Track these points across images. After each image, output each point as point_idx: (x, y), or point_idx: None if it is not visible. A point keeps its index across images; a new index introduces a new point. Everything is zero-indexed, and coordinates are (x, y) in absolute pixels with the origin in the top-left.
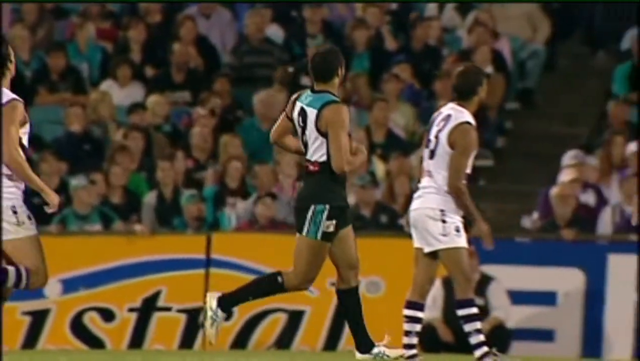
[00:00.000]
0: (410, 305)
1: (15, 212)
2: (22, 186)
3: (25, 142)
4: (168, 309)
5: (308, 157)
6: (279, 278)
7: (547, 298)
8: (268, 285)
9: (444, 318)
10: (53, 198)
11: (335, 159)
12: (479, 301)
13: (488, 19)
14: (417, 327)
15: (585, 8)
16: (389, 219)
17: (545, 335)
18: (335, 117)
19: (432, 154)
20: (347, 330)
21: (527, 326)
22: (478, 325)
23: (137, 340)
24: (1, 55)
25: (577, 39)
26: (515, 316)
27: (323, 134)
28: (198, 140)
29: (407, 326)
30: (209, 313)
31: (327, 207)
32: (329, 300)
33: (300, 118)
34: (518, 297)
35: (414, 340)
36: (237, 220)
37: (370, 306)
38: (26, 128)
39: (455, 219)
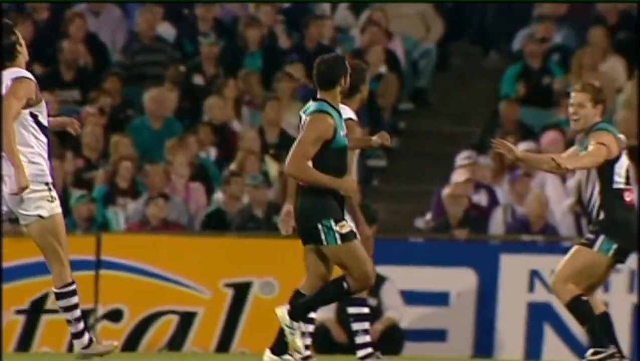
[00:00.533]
0: None
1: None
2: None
3: (43, 121)
4: (56, 311)
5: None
6: (345, 284)
7: (439, 298)
8: (335, 292)
9: (337, 319)
10: (21, 180)
11: (289, 159)
12: (372, 301)
13: (381, 18)
14: (310, 328)
15: (477, 8)
16: None
17: (437, 335)
18: (310, 124)
19: None
20: (239, 332)
21: (420, 326)
22: (366, 325)
23: (24, 342)
24: (10, 41)
25: (469, 39)
26: (408, 317)
27: None
28: (88, 139)
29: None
30: (286, 329)
31: (331, 219)
32: (222, 301)
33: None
34: (411, 297)
35: (307, 341)
36: (127, 221)
37: (265, 307)
38: (42, 108)
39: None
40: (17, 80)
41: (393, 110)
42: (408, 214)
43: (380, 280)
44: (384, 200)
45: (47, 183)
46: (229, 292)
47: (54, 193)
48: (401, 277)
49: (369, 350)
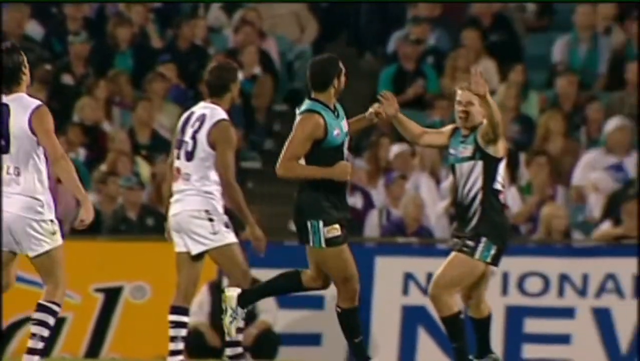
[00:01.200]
0: (175, 310)
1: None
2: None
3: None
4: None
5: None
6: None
7: (314, 302)
8: (289, 281)
9: (210, 323)
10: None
11: (279, 161)
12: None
13: (255, 18)
14: (183, 332)
15: (351, 9)
16: (155, 222)
17: (312, 339)
18: (298, 124)
19: (190, 156)
20: (110, 337)
21: (295, 330)
22: (240, 323)
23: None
24: (15, 62)
25: (345, 41)
26: (282, 320)
27: None
28: None
29: (172, 332)
30: (229, 311)
31: (321, 221)
32: (92, 306)
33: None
34: (285, 301)
35: (180, 346)
36: None
37: (136, 312)
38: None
39: (222, 216)
40: (42, 111)
41: (268, 111)
42: (283, 217)
43: (255, 283)
44: (259, 202)
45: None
46: (100, 297)
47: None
48: None
49: (239, 349)
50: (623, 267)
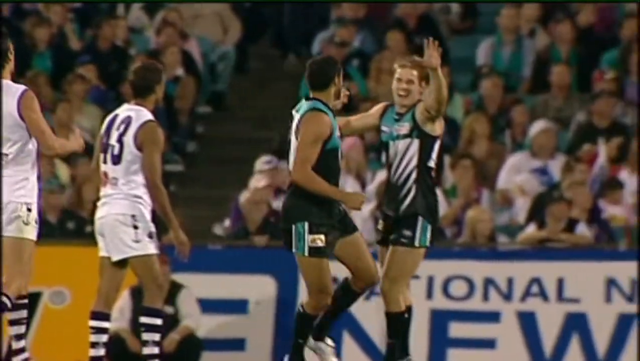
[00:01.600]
0: (96, 315)
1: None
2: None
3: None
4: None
5: (290, 168)
6: (301, 309)
7: (238, 306)
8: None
9: (131, 329)
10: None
11: (294, 165)
12: (169, 310)
13: (176, 18)
14: (104, 338)
15: (275, 9)
16: (76, 226)
17: (236, 344)
18: (306, 124)
19: (117, 159)
20: (28, 343)
21: (218, 335)
22: (157, 337)
23: None
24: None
25: (268, 41)
26: (206, 326)
27: None
28: None
29: (93, 338)
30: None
31: (307, 223)
32: None
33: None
34: (209, 306)
35: (101, 352)
36: None
37: (55, 317)
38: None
39: (148, 225)
40: (28, 96)
41: (190, 113)
42: (206, 220)
43: (177, 288)
44: (181, 205)
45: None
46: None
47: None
48: (199, 285)
49: None
50: (548, 271)
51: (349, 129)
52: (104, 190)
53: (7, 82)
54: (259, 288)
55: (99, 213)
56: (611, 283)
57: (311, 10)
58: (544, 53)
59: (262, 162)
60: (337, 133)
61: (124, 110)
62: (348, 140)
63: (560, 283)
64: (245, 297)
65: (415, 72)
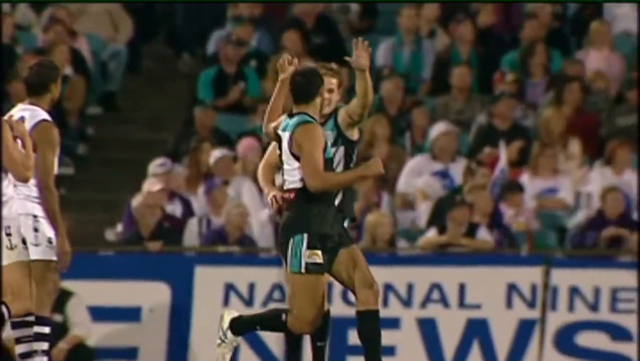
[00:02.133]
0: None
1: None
2: None
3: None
4: None
5: (285, 187)
6: (283, 316)
7: (130, 314)
8: (273, 321)
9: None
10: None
11: (307, 176)
12: (58, 318)
13: (65, 16)
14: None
15: (168, 7)
16: None
17: (128, 353)
18: (306, 135)
19: None
20: None
21: (110, 344)
22: (46, 346)
23: None
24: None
25: (161, 41)
26: (97, 334)
27: (297, 158)
28: None
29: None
30: (219, 333)
31: (305, 235)
32: None
33: (280, 148)
34: (100, 313)
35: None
36: None
37: None
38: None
39: (48, 230)
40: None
41: (80, 114)
42: (98, 225)
43: (67, 295)
44: (72, 210)
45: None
46: None
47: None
48: (89, 292)
49: None
50: (449, 276)
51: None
52: (5, 190)
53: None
54: (152, 295)
55: (3, 213)
56: (512, 288)
57: (206, 8)
58: (444, 54)
59: (155, 165)
60: (328, 143)
61: (18, 111)
62: (245, 141)
63: (461, 288)
64: (138, 304)
65: (334, 80)
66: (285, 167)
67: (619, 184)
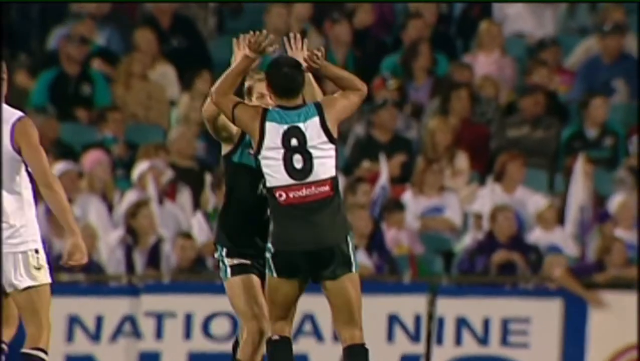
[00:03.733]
0: None
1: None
2: None
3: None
4: None
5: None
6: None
7: None
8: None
9: None
10: (79, 245)
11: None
12: None
13: None
14: None
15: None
16: None
17: None
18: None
19: None
20: None
21: None
22: None
23: None
24: None
25: None
26: None
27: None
28: None
29: None
30: None
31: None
32: None
33: (289, 140)
34: None
35: None
36: None
37: None
38: None
39: None
40: (25, 122)
41: None
42: None
43: None
44: None
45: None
46: None
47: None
48: None
49: None
50: (320, 306)
51: None
52: None
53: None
54: None
55: None
56: (393, 319)
57: (45, 2)
58: None
59: None
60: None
61: None
62: (91, 155)
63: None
64: None
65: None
66: (315, 152)
67: (510, 203)
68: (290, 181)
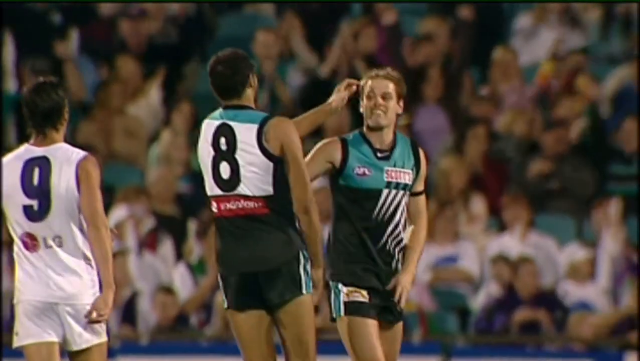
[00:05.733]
0: None
1: None
2: None
3: None
4: None
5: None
6: None
7: None
8: None
9: None
10: (108, 302)
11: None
12: None
13: None
14: None
15: None
16: None
17: None
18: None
19: None
20: None
21: None
22: None
23: None
24: (59, 103)
25: None
26: None
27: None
28: None
29: None
30: None
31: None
32: None
33: (218, 140)
34: None
35: None
36: None
37: None
38: None
39: None
40: (89, 161)
41: None
42: None
43: None
44: None
45: None
46: None
47: None
48: None
49: None
50: None
51: None
52: None
53: (61, 145)
54: None
55: None
56: None
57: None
58: None
59: None
60: None
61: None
62: None
63: None
64: None
65: (392, 85)
66: (241, 161)
67: (532, 252)
68: (219, 192)
